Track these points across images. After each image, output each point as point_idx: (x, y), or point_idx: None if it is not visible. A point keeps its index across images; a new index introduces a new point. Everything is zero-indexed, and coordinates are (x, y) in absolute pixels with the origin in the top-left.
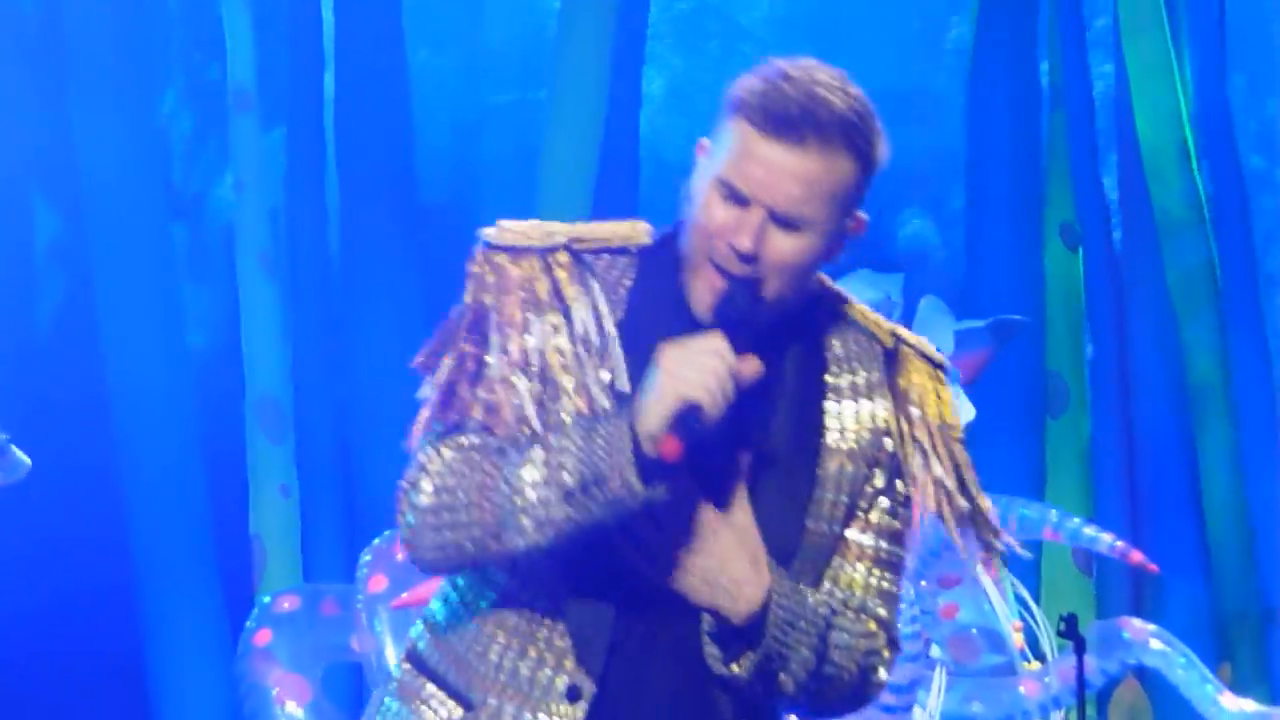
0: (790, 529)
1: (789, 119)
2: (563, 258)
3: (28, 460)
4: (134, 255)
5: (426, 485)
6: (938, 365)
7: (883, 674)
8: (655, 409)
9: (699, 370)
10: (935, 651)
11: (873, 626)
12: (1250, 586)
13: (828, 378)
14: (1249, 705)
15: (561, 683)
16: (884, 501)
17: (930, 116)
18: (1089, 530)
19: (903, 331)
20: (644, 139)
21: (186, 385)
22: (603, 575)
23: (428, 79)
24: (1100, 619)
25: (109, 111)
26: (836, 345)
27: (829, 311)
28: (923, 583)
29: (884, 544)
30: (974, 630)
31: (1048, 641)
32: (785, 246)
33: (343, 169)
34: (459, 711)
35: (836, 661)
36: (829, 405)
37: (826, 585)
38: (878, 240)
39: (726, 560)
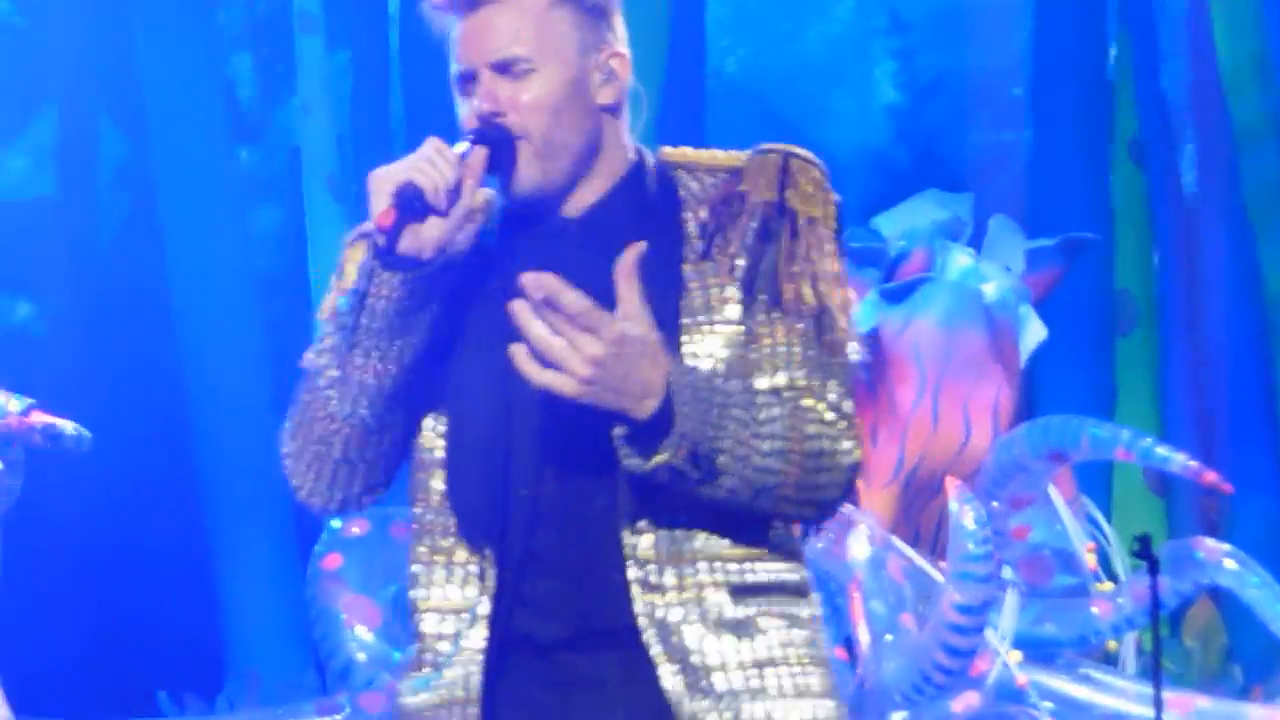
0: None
1: None
2: None
3: (87, 434)
4: (199, 177)
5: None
6: (796, 157)
7: (844, 437)
8: (375, 190)
9: (414, 159)
10: (1007, 573)
11: (808, 401)
12: None
13: (687, 223)
14: None
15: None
16: (774, 284)
17: (998, 33)
18: (1161, 450)
19: (763, 145)
20: (710, 59)
21: (253, 307)
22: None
23: None
24: (1173, 539)
25: (172, 33)
26: (690, 189)
27: (667, 171)
28: (994, 504)
29: (792, 321)
30: (1046, 551)
31: (1120, 562)
32: (516, 90)
33: (408, 89)
34: None
35: (780, 436)
36: (687, 269)
37: (759, 378)
38: (946, 159)
39: (630, 366)
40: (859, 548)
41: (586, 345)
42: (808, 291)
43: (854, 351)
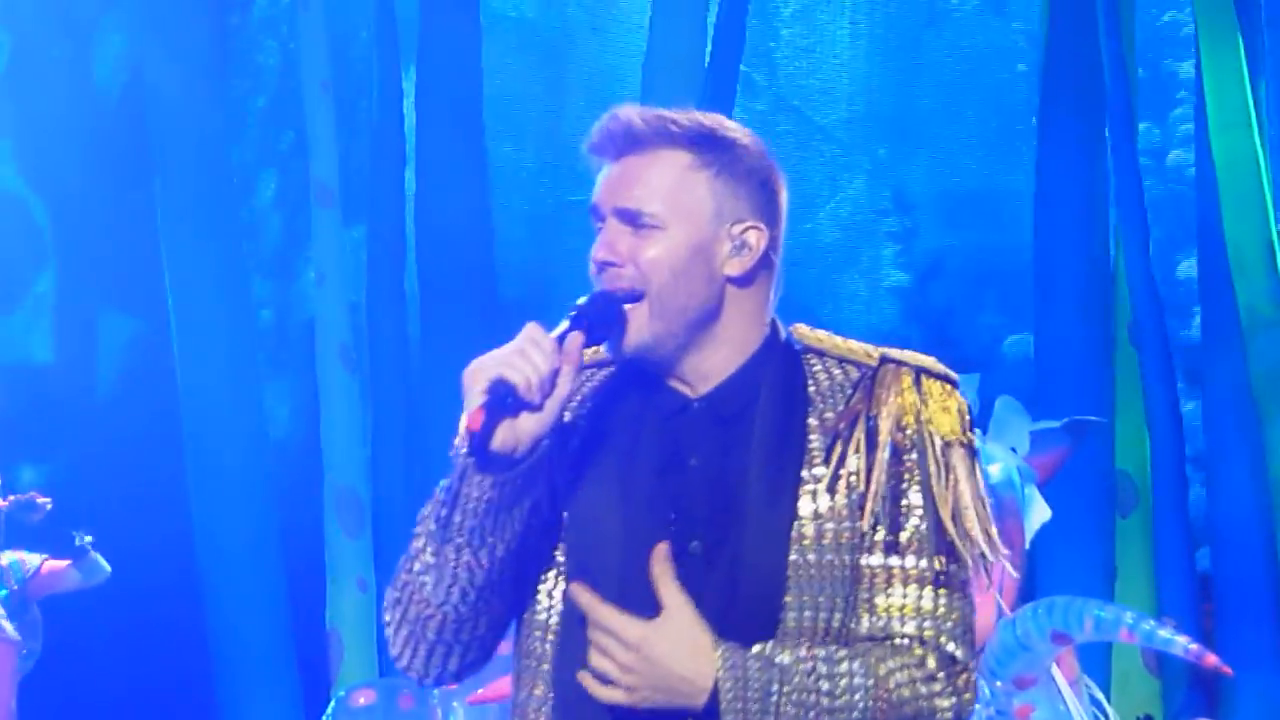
0: (774, 565)
1: (609, 135)
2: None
3: (107, 567)
4: (216, 349)
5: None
6: (930, 373)
7: (942, 695)
8: (468, 388)
9: (507, 352)
10: None
11: (919, 651)
12: None
13: (810, 419)
14: None
15: None
16: (896, 519)
17: (1009, 215)
18: (1164, 632)
19: (891, 351)
20: None
21: (266, 478)
22: None
23: (508, 174)
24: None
25: (191, 205)
26: (818, 380)
27: (798, 353)
28: (998, 683)
29: (911, 561)
30: None
31: None
32: (638, 245)
33: (422, 264)
34: None
35: (858, 707)
36: (812, 440)
37: (865, 620)
38: (954, 339)
39: (670, 661)
40: None
41: (617, 653)
42: (947, 524)
43: (969, 580)
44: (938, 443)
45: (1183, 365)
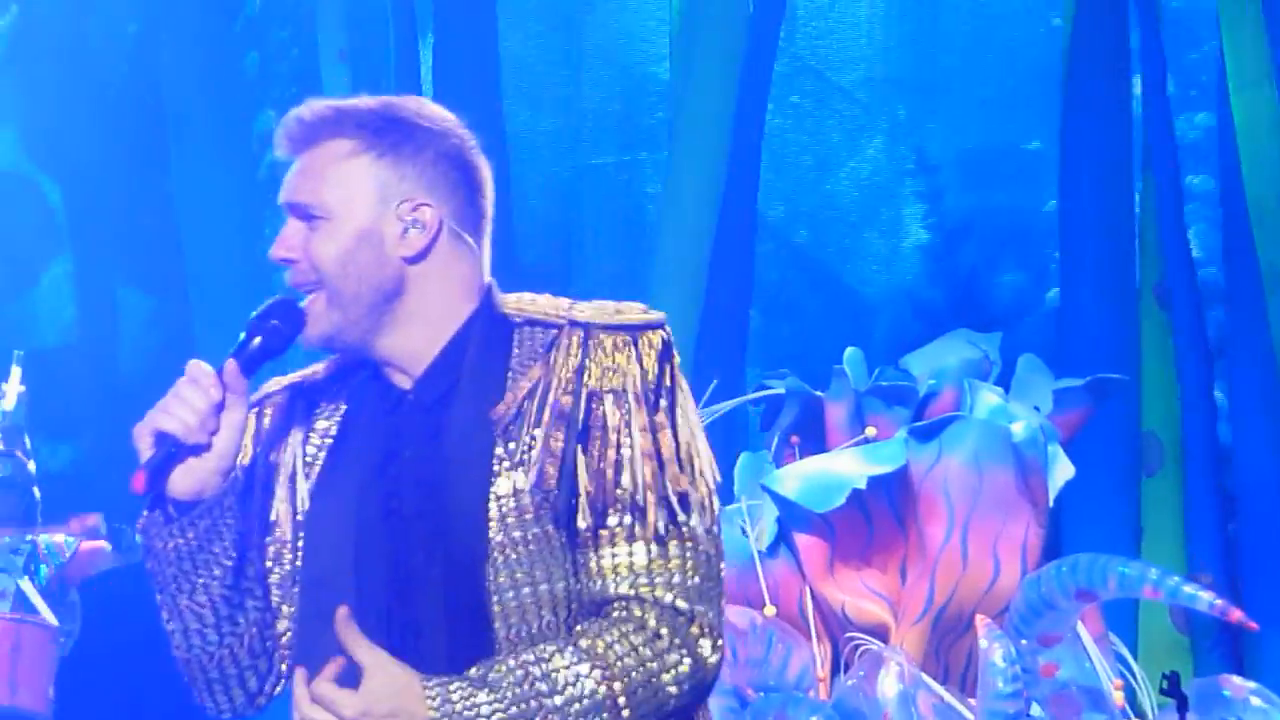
0: (475, 547)
1: (286, 132)
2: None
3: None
4: (234, 323)
5: None
6: (603, 328)
7: (670, 651)
8: (137, 447)
9: (166, 399)
10: (1036, 710)
11: (637, 612)
12: None
13: (508, 393)
14: None
15: None
16: (574, 484)
17: (1027, 175)
18: (1189, 588)
19: (577, 308)
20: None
21: None
22: None
23: (526, 140)
24: (1199, 677)
25: (208, 178)
26: (522, 350)
27: (508, 324)
28: (1023, 641)
29: (614, 520)
30: (1074, 688)
31: (1148, 699)
32: (310, 237)
33: None
34: None
35: (589, 695)
36: (507, 415)
37: (586, 586)
38: (976, 299)
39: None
40: (889, 685)
41: None
42: (625, 479)
43: (696, 526)
44: (604, 400)
45: None
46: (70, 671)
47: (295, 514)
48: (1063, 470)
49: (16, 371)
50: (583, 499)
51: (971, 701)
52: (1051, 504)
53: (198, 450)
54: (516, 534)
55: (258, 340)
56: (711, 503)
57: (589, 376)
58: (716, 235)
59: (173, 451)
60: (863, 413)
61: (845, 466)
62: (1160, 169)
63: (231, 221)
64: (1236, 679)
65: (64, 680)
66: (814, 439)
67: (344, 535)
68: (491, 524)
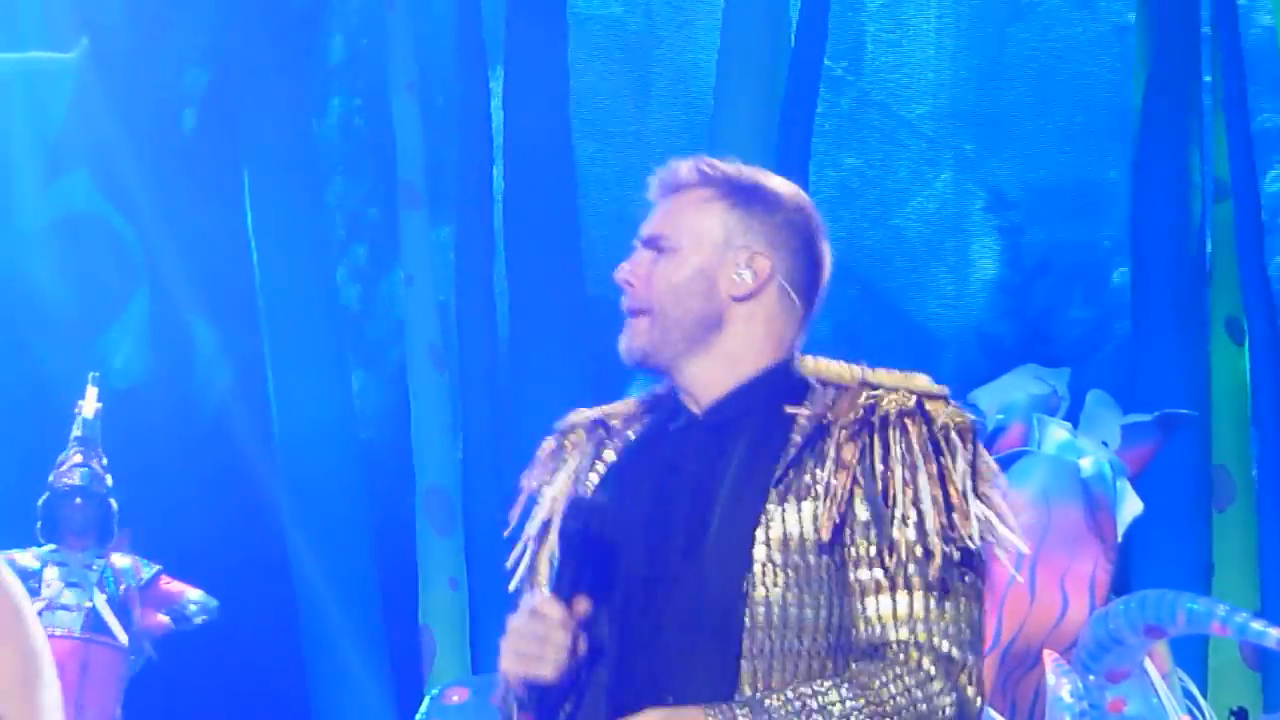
0: (738, 557)
1: (659, 181)
2: (576, 436)
3: (214, 602)
4: (306, 351)
5: None
6: (895, 389)
7: (942, 694)
8: (508, 683)
9: (529, 646)
10: None
11: (914, 655)
12: None
13: (794, 434)
14: None
15: None
16: (866, 529)
17: (1097, 209)
18: (1257, 624)
19: (872, 373)
20: None
21: (357, 478)
22: None
23: (594, 172)
24: (1268, 713)
25: (282, 210)
26: (813, 403)
27: (804, 382)
28: (1091, 677)
29: (894, 567)
30: None
31: None
32: (650, 263)
33: (511, 262)
34: None
35: None
36: (790, 452)
37: (861, 631)
38: (1045, 334)
39: None
40: None
41: None
42: (910, 528)
43: (972, 579)
44: (891, 449)
45: None
46: (132, 691)
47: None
48: (1131, 506)
49: (92, 391)
50: (861, 545)
51: None
52: (1120, 539)
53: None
54: (778, 556)
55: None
56: (983, 558)
57: (876, 427)
58: None
59: (543, 694)
60: None
61: None
62: (1237, 200)
63: (304, 256)
64: None
65: (131, 700)
66: None
67: (614, 538)
68: (755, 564)
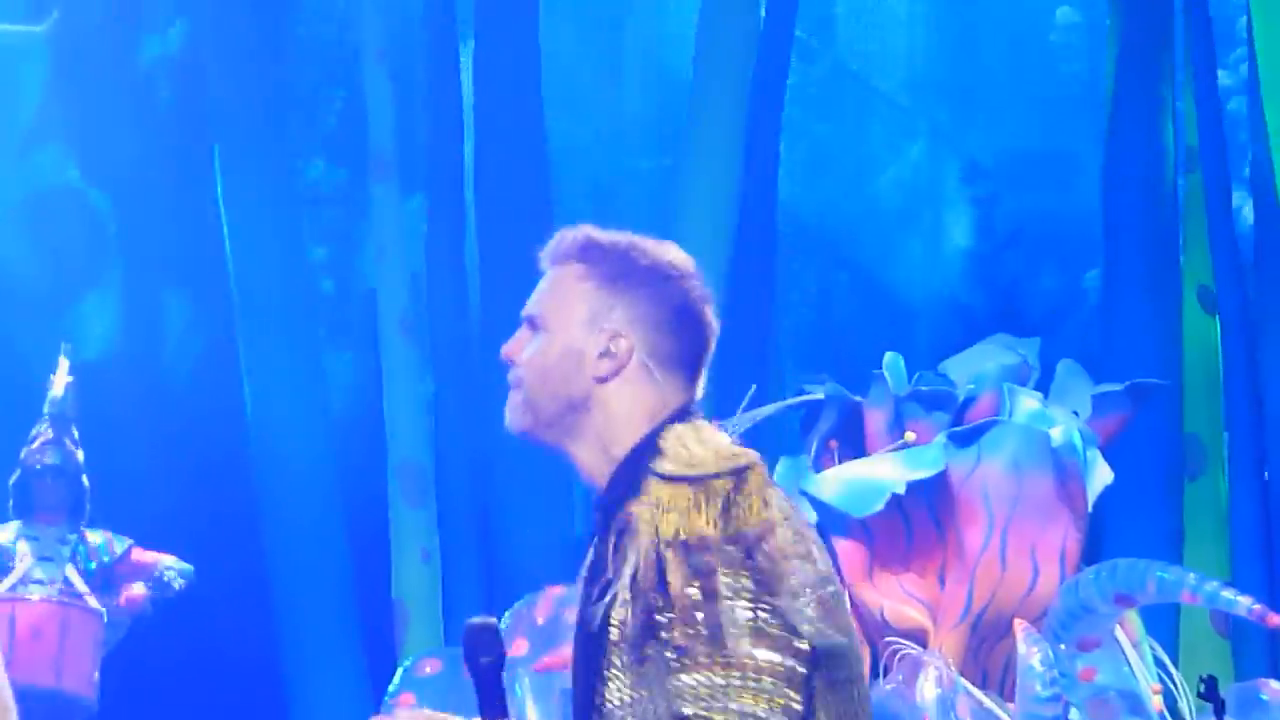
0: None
1: (547, 249)
2: None
3: (189, 567)
4: (277, 323)
5: None
6: (673, 479)
7: None
8: None
9: None
10: (1074, 714)
11: None
12: None
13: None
14: None
15: None
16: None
17: (1069, 179)
18: (1227, 593)
19: (675, 467)
20: (784, 204)
21: (329, 450)
22: None
23: (566, 146)
24: (1239, 681)
25: (252, 181)
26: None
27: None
28: (1061, 645)
29: (631, 651)
30: (1113, 693)
31: (1186, 703)
32: (524, 340)
33: (482, 234)
34: None
35: None
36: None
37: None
38: (1015, 305)
39: None
40: (928, 689)
41: None
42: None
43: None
44: (644, 544)
45: None
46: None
47: None
48: (1101, 475)
49: (64, 363)
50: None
51: (1010, 706)
52: (1091, 508)
53: None
54: (620, 659)
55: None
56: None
57: (645, 522)
58: (737, 237)
59: None
60: (902, 418)
61: (884, 471)
62: (1207, 170)
63: (274, 228)
64: (1275, 683)
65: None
66: (853, 444)
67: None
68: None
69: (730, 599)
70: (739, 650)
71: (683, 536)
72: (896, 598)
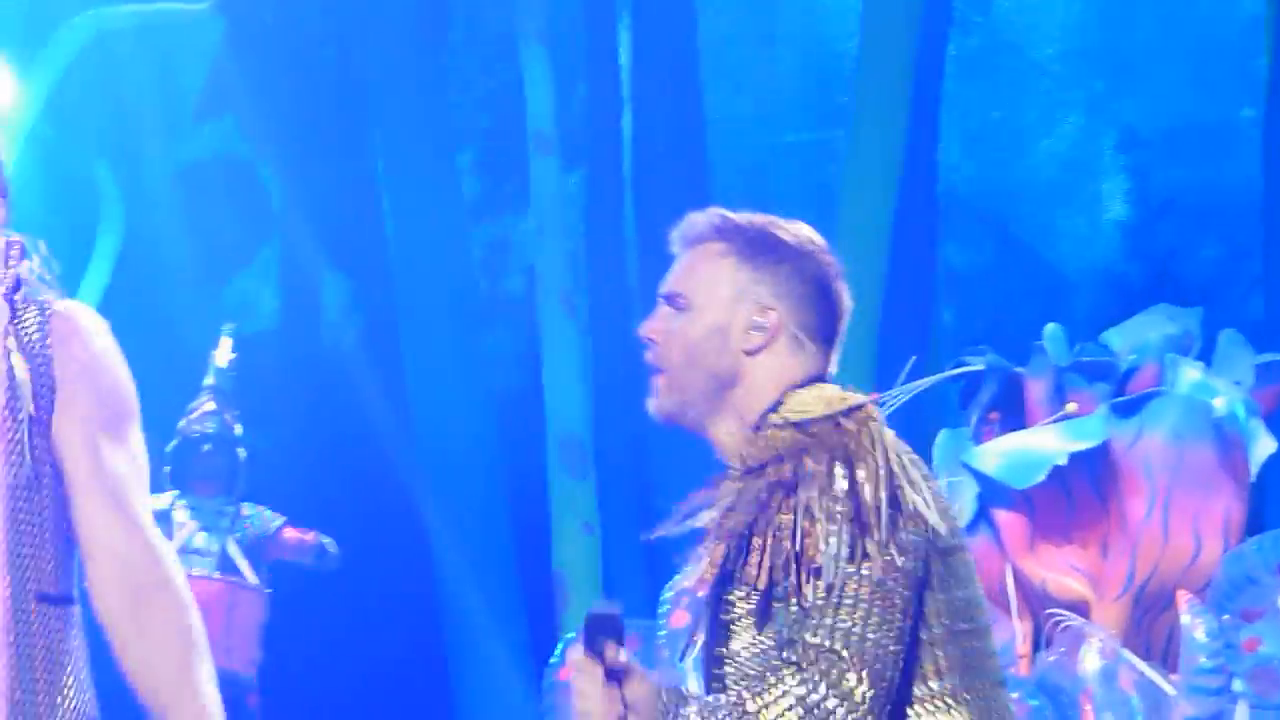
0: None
1: (679, 233)
2: None
3: (335, 549)
4: (436, 300)
5: None
6: (778, 425)
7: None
8: None
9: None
10: (1238, 685)
11: (783, 675)
12: None
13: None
14: None
15: None
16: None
17: (1230, 150)
18: None
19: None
20: (941, 176)
21: (491, 426)
22: None
23: (723, 120)
24: None
25: (412, 162)
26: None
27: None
28: (1225, 616)
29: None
30: (1277, 663)
31: None
32: (668, 319)
33: (640, 210)
34: None
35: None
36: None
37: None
38: (1177, 274)
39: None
40: (1090, 660)
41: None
42: (765, 574)
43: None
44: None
45: None
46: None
47: None
48: (1265, 445)
49: (226, 342)
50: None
51: (1174, 677)
52: (1254, 479)
53: None
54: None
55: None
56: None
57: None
58: (898, 211)
59: None
60: (1063, 389)
61: (1046, 443)
62: None
63: (434, 207)
64: None
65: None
66: (1014, 415)
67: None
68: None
69: (833, 530)
70: (838, 574)
71: (788, 477)
72: (1059, 569)
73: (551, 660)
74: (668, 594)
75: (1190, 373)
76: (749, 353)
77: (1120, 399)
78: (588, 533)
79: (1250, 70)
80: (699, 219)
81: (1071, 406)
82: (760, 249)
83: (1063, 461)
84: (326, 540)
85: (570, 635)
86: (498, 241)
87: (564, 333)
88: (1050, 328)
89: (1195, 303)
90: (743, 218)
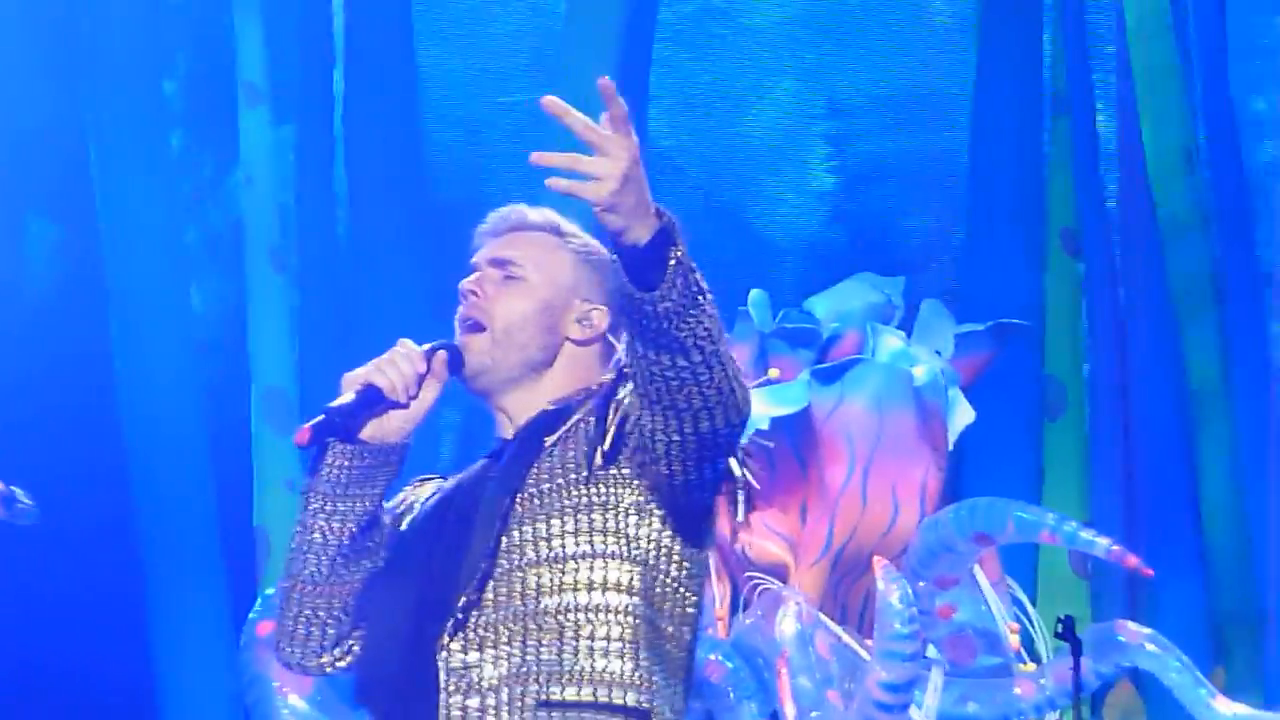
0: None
1: (504, 219)
2: None
3: (33, 504)
4: (142, 250)
5: None
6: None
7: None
8: (343, 389)
9: (379, 360)
10: (932, 651)
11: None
12: (1245, 591)
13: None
14: (1242, 709)
15: None
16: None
17: (937, 121)
18: (1086, 534)
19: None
20: (651, 141)
21: (194, 378)
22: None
23: (437, 77)
24: (1096, 622)
25: (119, 105)
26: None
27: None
28: (920, 583)
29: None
30: (970, 631)
31: (1043, 643)
32: (503, 286)
33: (352, 165)
34: None
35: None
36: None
37: None
38: (881, 244)
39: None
40: (787, 624)
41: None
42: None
43: None
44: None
45: None
46: None
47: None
48: (963, 414)
49: None
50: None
51: (869, 642)
52: (952, 448)
53: (396, 406)
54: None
55: (445, 354)
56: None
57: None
58: None
59: (375, 400)
60: (766, 354)
61: None
62: (1075, 113)
63: (142, 151)
64: (1131, 624)
65: None
66: None
67: (420, 532)
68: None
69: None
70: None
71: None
72: (758, 533)
73: (251, 615)
74: None
75: (891, 341)
76: (574, 341)
77: (822, 365)
78: (290, 489)
79: (960, 43)
80: (529, 211)
81: (774, 372)
82: (589, 255)
83: (765, 426)
84: (17, 490)
85: (269, 590)
86: (206, 193)
87: (271, 286)
88: (754, 294)
89: (899, 272)
90: (571, 225)
